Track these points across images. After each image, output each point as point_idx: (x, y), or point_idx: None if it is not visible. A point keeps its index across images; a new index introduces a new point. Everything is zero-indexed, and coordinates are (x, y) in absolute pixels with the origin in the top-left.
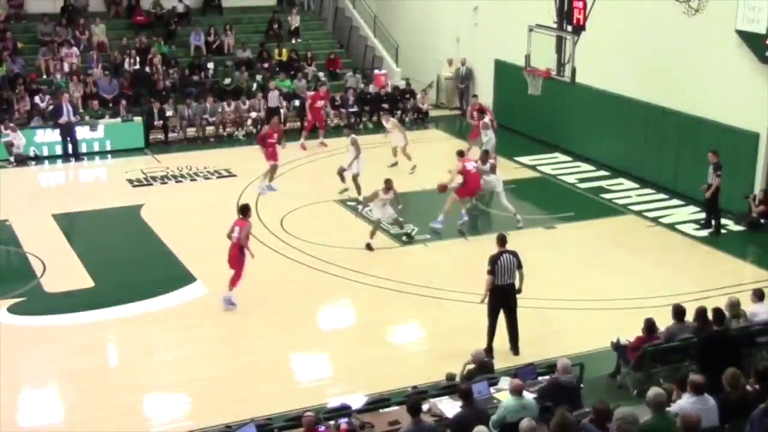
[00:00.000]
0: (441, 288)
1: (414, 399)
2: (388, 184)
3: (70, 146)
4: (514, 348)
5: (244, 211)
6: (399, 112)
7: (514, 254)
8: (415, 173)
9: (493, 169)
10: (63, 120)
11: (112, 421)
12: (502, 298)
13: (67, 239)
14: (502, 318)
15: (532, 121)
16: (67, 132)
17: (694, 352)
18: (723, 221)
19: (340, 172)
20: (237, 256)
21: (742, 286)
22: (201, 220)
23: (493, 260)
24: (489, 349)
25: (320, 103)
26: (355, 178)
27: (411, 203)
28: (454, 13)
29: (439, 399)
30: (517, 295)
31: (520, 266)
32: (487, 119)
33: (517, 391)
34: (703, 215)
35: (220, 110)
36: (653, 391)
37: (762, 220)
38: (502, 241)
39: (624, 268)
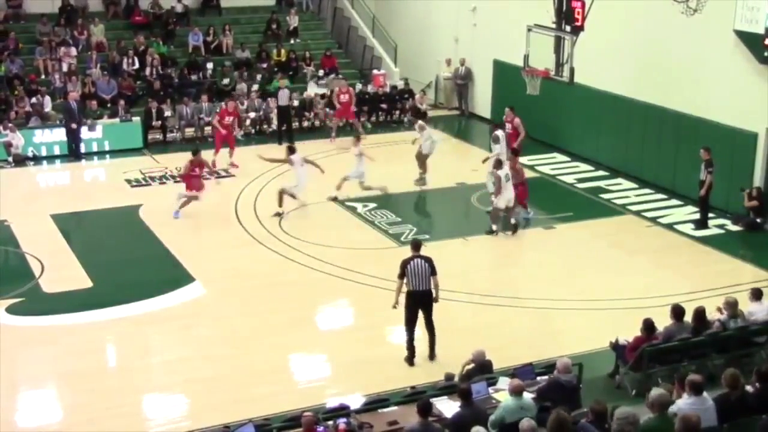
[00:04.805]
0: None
1: (425, 400)
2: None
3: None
4: (431, 353)
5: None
6: (397, 112)
7: (428, 260)
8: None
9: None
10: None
11: (111, 422)
12: (417, 304)
13: (65, 239)
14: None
15: (530, 122)
16: (76, 130)
17: None
18: (721, 221)
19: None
20: None
21: (740, 285)
22: (199, 220)
23: (404, 264)
24: (410, 359)
25: (228, 120)
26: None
27: (410, 203)
28: (452, 14)
29: (437, 399)
30: (435, 303)
31: (434, 273)
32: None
33: (516, 392)
34: (698, 215)
35: (218, 110)
36: (656, 391)
37: (758, 219)
38: (415, 246)
39: (622, 268)
